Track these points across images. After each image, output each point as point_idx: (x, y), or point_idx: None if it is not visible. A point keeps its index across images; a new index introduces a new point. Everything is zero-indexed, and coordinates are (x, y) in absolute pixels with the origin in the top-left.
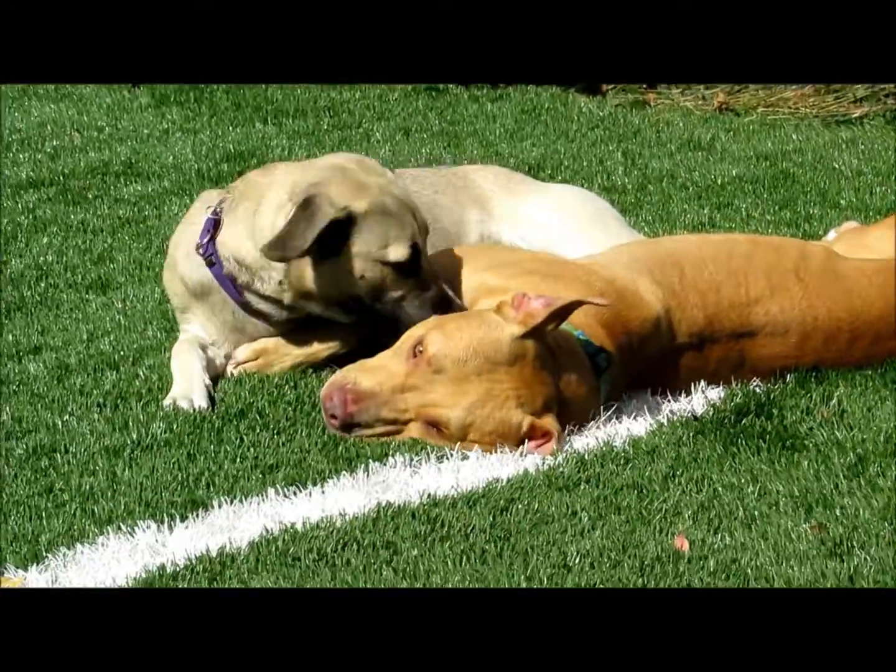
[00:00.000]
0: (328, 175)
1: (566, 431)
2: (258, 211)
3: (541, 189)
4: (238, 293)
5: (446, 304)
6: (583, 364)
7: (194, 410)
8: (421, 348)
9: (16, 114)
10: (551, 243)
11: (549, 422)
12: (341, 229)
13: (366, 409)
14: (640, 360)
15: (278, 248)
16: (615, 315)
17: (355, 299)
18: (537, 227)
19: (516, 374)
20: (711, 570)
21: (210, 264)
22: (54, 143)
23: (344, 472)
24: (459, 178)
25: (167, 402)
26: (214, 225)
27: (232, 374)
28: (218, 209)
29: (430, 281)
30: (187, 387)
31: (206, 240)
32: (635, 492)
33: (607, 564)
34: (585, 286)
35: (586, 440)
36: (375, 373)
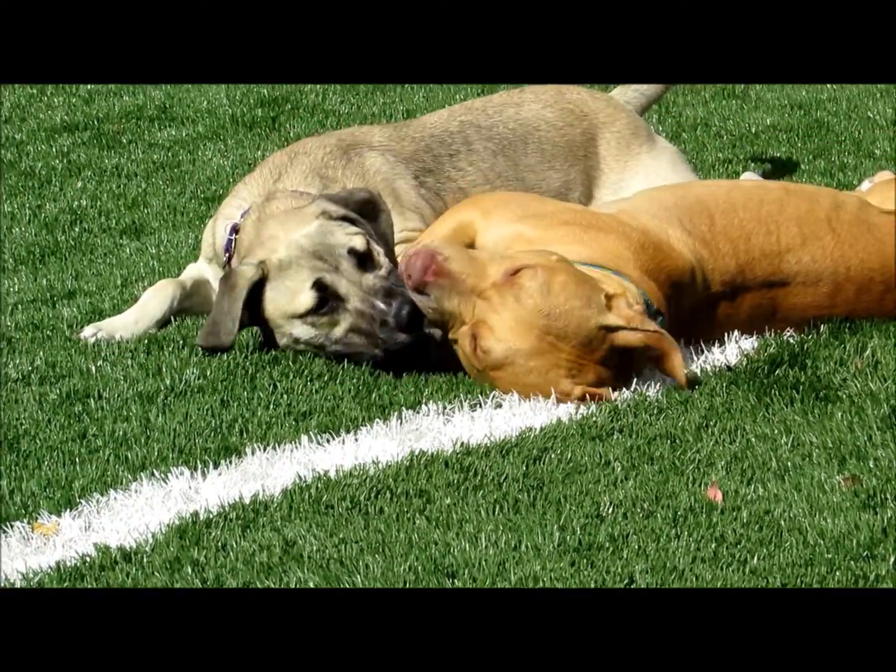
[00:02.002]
0: (253, 235)
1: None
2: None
3: (650, 160)
4: None
5: (412, 317)
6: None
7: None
8: (520, 273)
9: None
10: None
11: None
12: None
13: (440, 286)
14: (679, 311)
15: (211, 339)
16: (658, 267)
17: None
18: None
19: (578, 354)
20: (744, 520)
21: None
22: (88, 86)
23: (377, 419)
24: (587, 139)
25: (90, 330)
26: (230, 245)
27: None
28: (238, 224)
29: (362, 303)
30: (126, 323)
31: (226, 258)
32: (668, 442)
33: (640, 514)
34: (625, 238)
35: (619, 391)
36: (470, 263)
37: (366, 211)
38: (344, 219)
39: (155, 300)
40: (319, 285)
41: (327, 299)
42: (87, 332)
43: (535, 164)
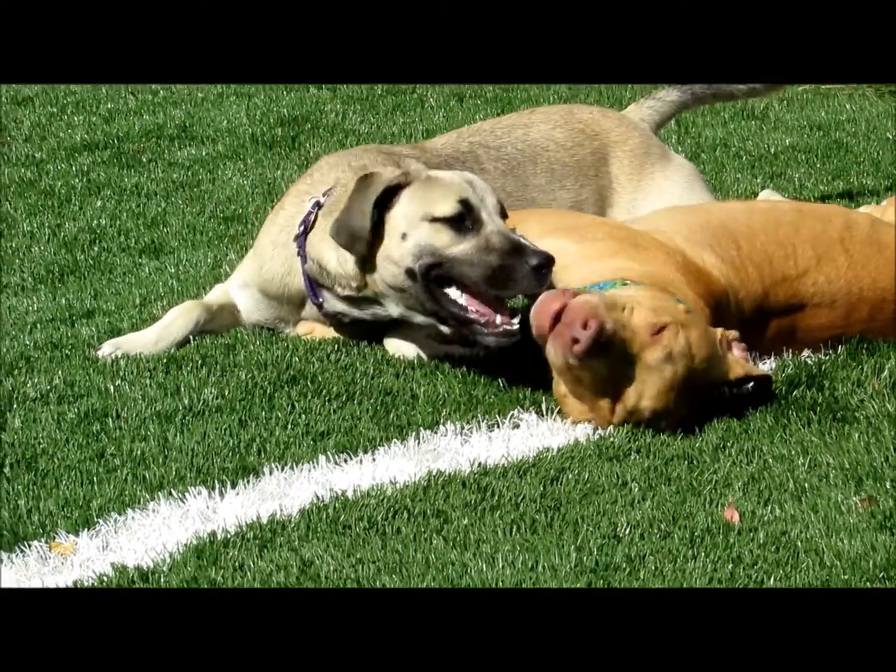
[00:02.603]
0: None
1: None
2: None
3: (663, 179)
4: (315, 294)
5: (515, 250)
6: None
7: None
8: (664, 334)
9: None
10: None
11: None
12: (390, 198)
13: (589, 337)
14: None
15: (343, 233)
16: (703, 291)
17: (410, 273)
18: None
19: (683, 411)
20: (761, 542)
21: (300, 254)
22: (109, 105)
23: (395, 439)
24: (598, 158)
25: (108, 347)
26: (311, 218)
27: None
28: (322, 200)
29: (497, 233)
30: (146, 342)
31: (301, 230)
32: (686, 462)
33: (657, 535)
34: (671, 259)
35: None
36: (619, 319)
37: None
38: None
39: (179, 321)
40: (466, 203)
41: (465, 217)
42: (106, 349)
43: (544, 185)
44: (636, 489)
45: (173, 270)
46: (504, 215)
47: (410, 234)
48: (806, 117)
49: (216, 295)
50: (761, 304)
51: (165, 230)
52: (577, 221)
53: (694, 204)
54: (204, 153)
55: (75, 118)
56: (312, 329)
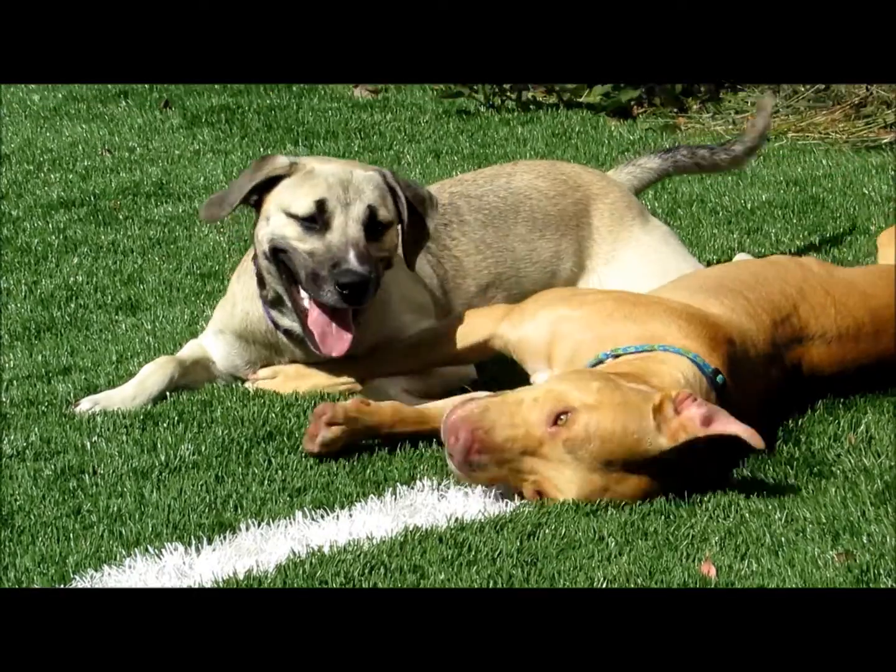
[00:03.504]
0: None
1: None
2: None
3: (643, 233)
4: (270, 316)
5: (332, 262)
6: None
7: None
8: (565, 420)
9: (47, 133)
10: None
11: None
12: (274, 184)
13: (488, 461)
14: (738, 382)
15: (214, 202)
16: (709, 334)
17: (267, 257)
18: (625, 281)
19: (645, 483)
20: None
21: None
22: (85, 163)
23: (371, 495)
24: (579, 210)
25: (87, 404)
26: None
27: (247, 387)
28: None
29: (338, 241)
30: (123, 398)
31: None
32: (662, 517)
33: None
34: (671, 309)
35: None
36: (511, 423)
37: (415, 209)
38: (393, 193)
39: (154, 377)
40: (321, 205)
41: (316, 219)
42: (84, 405)
43: (525, 234)
44: (613, 544)
45: (150, 327)
46: (375, 226)
47: (271, 219)
48: (782, 173)
49: (189, 350)
50: (775, 342)
51: (142, 287)
52: (575, 290)
53: (685, 274)
54: (181, 210)
55: (52, 175)
56: (275, 373)
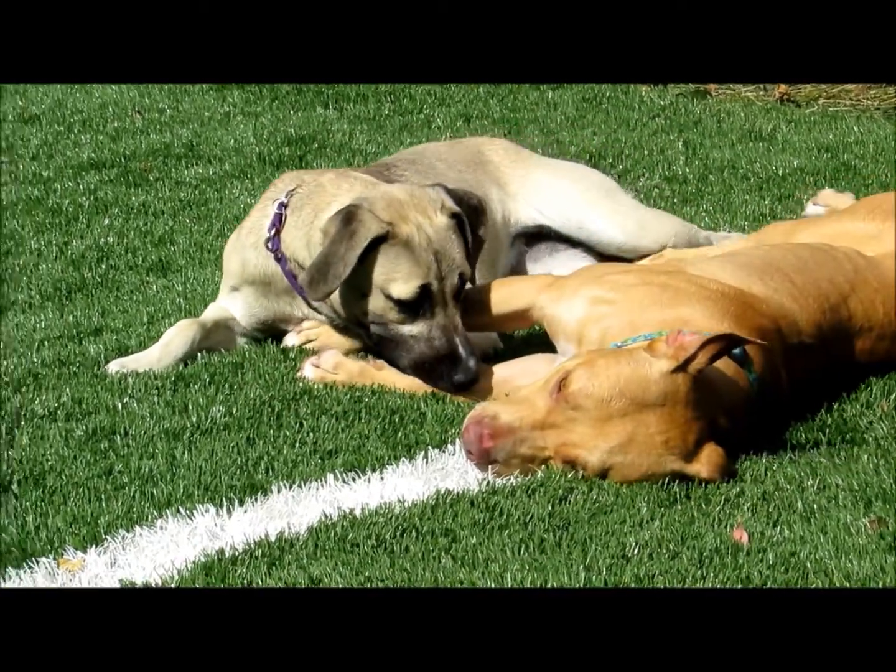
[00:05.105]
0: (377, 196)
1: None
2: (314, 223)
3: (549, 162)
4: (300, 290)
5: (450, 359)
6: (736, 384)
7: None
8: (566, 383)
9: (77, 94)
10: (570, 214)
11: (702, 470)
12: (370, 249)
13: (503, 445)
14: (773, 365)
15: (316, 271)
16: (744, 314)
17: (360, 321)
18: (554, 198)
19: (665, 415)
20: (770, 562)
21: (277, 259)
22: (115, 124)
23: (403, 458)
24: (474, 153)
25: (114, 366)
26: (279, 219)
27: (287, 343)
28: (284, 201)
29: (443, 330)
30: (150, 361)
31: (272, 233)
32: (695, 482)
33: (666, 556)
34: (703, 290)
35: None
36: (517, 406)
37: (471, 219)
38: (457, 218)
39: (177, 339)
40: (425, 290)
41: (421, 304)
42: (112, 367)
43: (444, 170)
44: (644, 509)
45: (181, 288)
46: (460, 292)
47: (368, 296)
48: (814, 139)
49: (210, 312)
50: (820, 331)
51: (173, 248)
52: (610, 269)
53: (730, 252)
54: (211, 172)
55: (82, 137)
56: (313, 335)
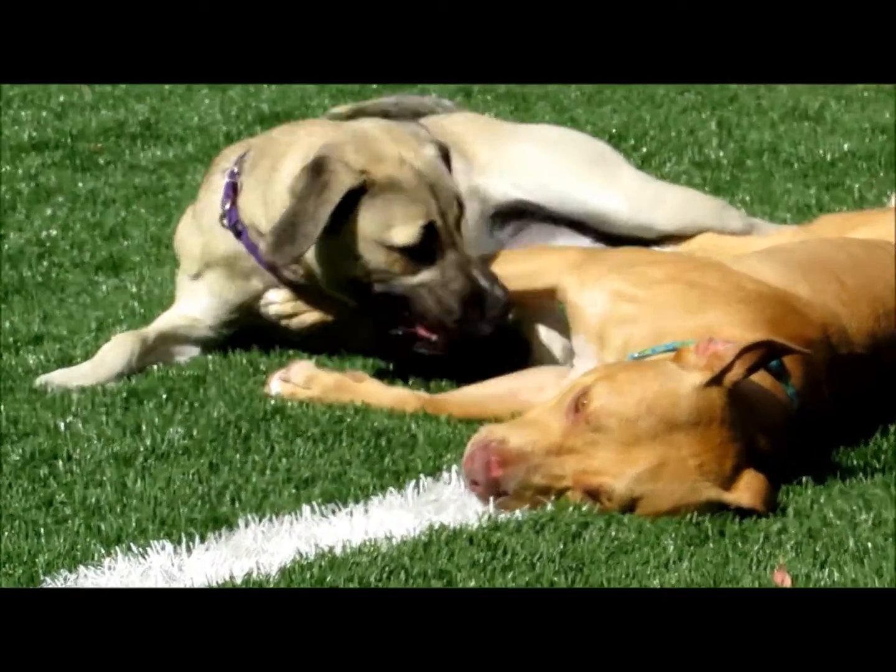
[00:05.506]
0: (346, 139)
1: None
2: (272, 177)
3: (526, 129)
4: (265, 265)
5: (476, 297)
6: (774, 398)
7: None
8: (584, 401)
9: None
10: (552, 184)
11: (742, 497)
12: (350, 202)
13: (514, 474)
14: (814, 370)
15: (279, 231)
16: (783, 320)
17: (356, 283)
18: (531, 170)
19: (699, 436)
20: None
21: (237, 233)
22: (61, 98)
23: (391, 487)
24: (432, 126)
25: (42, 379)
26: (233, 188)
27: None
28: (235, 169)
29: (458, 267)
30: (80, 376)
31: (227, 207)
32: (730, 516)
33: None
34: (738, 291)
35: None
36: (528, 428)
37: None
38: (443, 151)
39: (111, 355)
40: (430, 228)
41: (429, 245)
42: (38, 382)
43: None
44: (671, 548)
45: (134, 290)
46: (458, 222)
47: (363, 256)
48: (867, 118)
49: (157, 323)
50: (873, 340)
51: (126, 243)
52: (636, 258)
53: (775, 245)
54: (171, 154)
55: (22, 113)
56: (289, 309)
